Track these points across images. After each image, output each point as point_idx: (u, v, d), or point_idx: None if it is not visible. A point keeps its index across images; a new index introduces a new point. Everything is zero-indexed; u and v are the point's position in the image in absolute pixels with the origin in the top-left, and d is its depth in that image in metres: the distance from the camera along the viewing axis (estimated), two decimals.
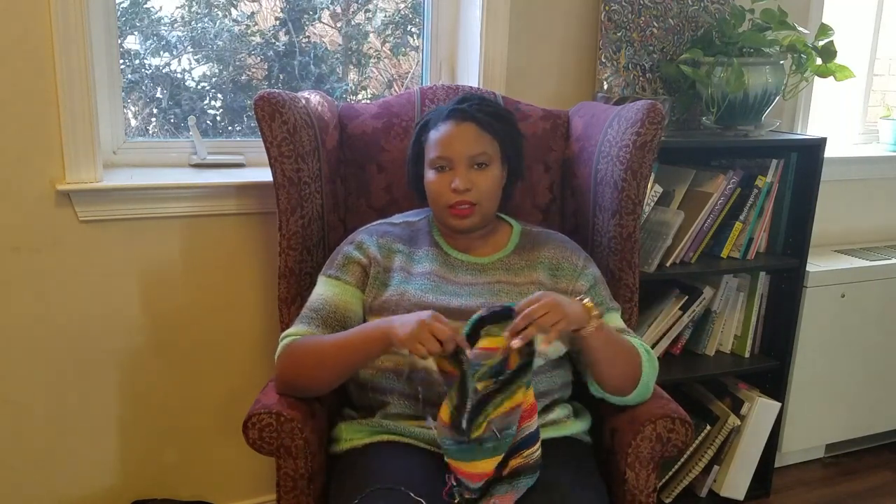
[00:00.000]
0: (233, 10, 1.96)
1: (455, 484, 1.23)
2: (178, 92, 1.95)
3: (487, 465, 1.22)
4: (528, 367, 1.22)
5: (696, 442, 2.08)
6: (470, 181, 1.39)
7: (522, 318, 1.18)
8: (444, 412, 1.23)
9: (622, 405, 1.41)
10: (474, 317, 1.22)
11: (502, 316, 1.22)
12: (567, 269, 1.46)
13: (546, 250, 1.48)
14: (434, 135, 1.42)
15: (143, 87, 1.93)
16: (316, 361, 1.31)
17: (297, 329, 1.37)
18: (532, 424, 1.26)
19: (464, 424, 1.18)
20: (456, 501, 1.22)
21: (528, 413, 1.26)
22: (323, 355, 1.30)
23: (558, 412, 1.42)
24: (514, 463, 1.24)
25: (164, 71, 1.94)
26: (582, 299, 1.30)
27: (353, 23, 2.10)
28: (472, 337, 1.22)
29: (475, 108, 1.42)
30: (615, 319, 1.45)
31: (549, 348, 1.30)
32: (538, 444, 1.27)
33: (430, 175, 1.42)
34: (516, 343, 1.16)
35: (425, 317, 1.19)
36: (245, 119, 2.01)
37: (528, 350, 1.22)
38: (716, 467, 2.13)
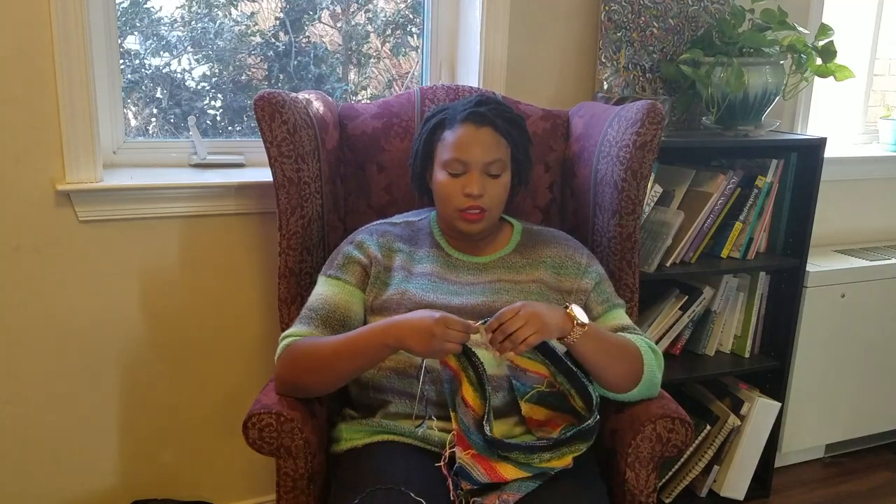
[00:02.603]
0: (233, 10, 1.96)
1: (456, 475, 1.24)
2: (178, 92, 1.95)
3: (508, 473, 1.23)
4: (586, 436, 1.26)
5: (696, 442, 2.08)
6: (483, 187, 1.38)
7: (498, 332, 1.22)
8: (470, 395, 1.24)
9: (626, 401, 1.40)
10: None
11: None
12: (571, 268, 1.46)
13: (549, 249, 1.48)
14: (450, 136, 1.40)
15: (143, 87, 1.93)
16: (317, 364, 1.30)
17: (296, 329, 1.37)
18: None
19: (486, 428, 1.22)
20: (458, 492, 1.23)
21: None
22: (325, 359, 1.30)
23: None
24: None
25: (164, 71, 1.94)
26: (567, 307, 1.29)
27: (352, 23, 2.10)
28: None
29: (493, 113, 1.40)
30: (621, 316, 1.45)
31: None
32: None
33: (441, 176, 1.41)
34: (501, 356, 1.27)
35: (432, 322, 1.19)
36: (245, 119, 2.01)
37: (588, 415, 1.27)
38: (716, 467, 2.13)
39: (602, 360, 1.32)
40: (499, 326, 1.21)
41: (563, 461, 1.25)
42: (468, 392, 1.25)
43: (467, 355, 1.25)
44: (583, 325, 1.27)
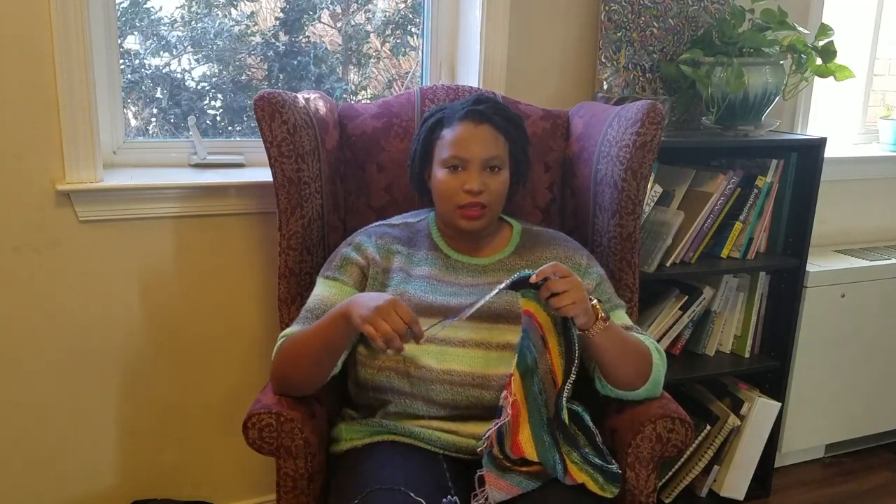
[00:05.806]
0: (233, 10, 1.96)
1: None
2: (178, 92, 1.95)
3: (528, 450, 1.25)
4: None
5: (696, 442, 2.08)
6: (483, 183, 1.38)
7: (547, 284, 1.22)
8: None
9: (629, 399, 1.40)
10: (515, 276, 1.24)
11: (525, 285, 1.25)
12: (572, 269, 1.45)
13: (549, 250, 1.48)
14: (449, 134, 1.41)
15: (143, 87, 1.93)
16: (298, 351, 1.32)
17: (292, 330, 1.38)
18: None
19: (496, 450, 1.25)
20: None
21: None
22: (302, 343, 1.31)
23: None
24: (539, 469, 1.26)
25: (164, 71, 1.94)
26: (591, 300, 1.30)
27: (352, 23, 2.10)
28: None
29: (491, 110, 1.41)
30: (622, 316, 1.45)
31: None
32: None
33: (440, 174, 1.41)
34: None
35: (383, 300, 1.19)
36: (245, 119, 2.01)
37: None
38: (716, 467, 2.13)
39: (617, 355, 1.33)
40: (545, 279, 1.22)
41: (575, 469, 1.27)
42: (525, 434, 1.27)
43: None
44: (605, 318, 1.29)
